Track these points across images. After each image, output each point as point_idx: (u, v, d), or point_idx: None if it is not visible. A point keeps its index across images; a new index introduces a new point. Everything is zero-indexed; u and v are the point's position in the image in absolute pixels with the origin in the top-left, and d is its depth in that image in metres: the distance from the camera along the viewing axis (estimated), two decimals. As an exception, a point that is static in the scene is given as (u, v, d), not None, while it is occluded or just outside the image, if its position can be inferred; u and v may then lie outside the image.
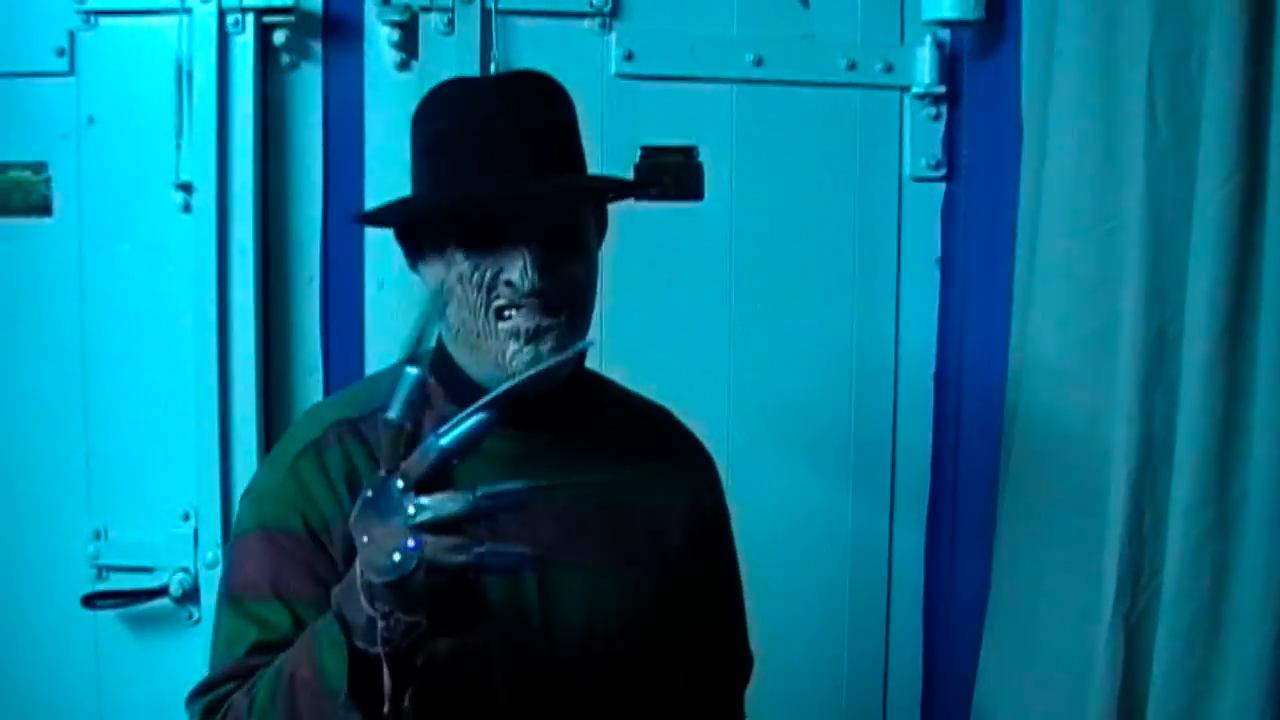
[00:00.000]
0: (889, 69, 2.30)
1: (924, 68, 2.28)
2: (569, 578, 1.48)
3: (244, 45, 2.18)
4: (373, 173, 2.25)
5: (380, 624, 1.15)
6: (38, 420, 2.25)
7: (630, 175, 2.22)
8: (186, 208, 2.19)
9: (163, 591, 2.21)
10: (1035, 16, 2.14)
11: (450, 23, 2.17)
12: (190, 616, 2.23)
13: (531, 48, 2.21)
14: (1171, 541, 1.82)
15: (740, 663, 1.77)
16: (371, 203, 2.24)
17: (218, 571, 2.18)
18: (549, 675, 1.45)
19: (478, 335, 1.45)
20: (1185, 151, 1.84)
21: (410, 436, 1.14)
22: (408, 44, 2.21)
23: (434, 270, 1.48)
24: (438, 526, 1.10)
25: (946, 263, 2.35)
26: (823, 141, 2.30)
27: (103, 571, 2.24)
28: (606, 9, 2.23)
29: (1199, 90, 1.81)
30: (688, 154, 2.27)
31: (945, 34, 2.31)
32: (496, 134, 1.43)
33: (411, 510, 1.10)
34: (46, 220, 2.23)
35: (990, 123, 2.30)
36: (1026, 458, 2.11)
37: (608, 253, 2.22)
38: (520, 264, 1.39)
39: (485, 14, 2.18)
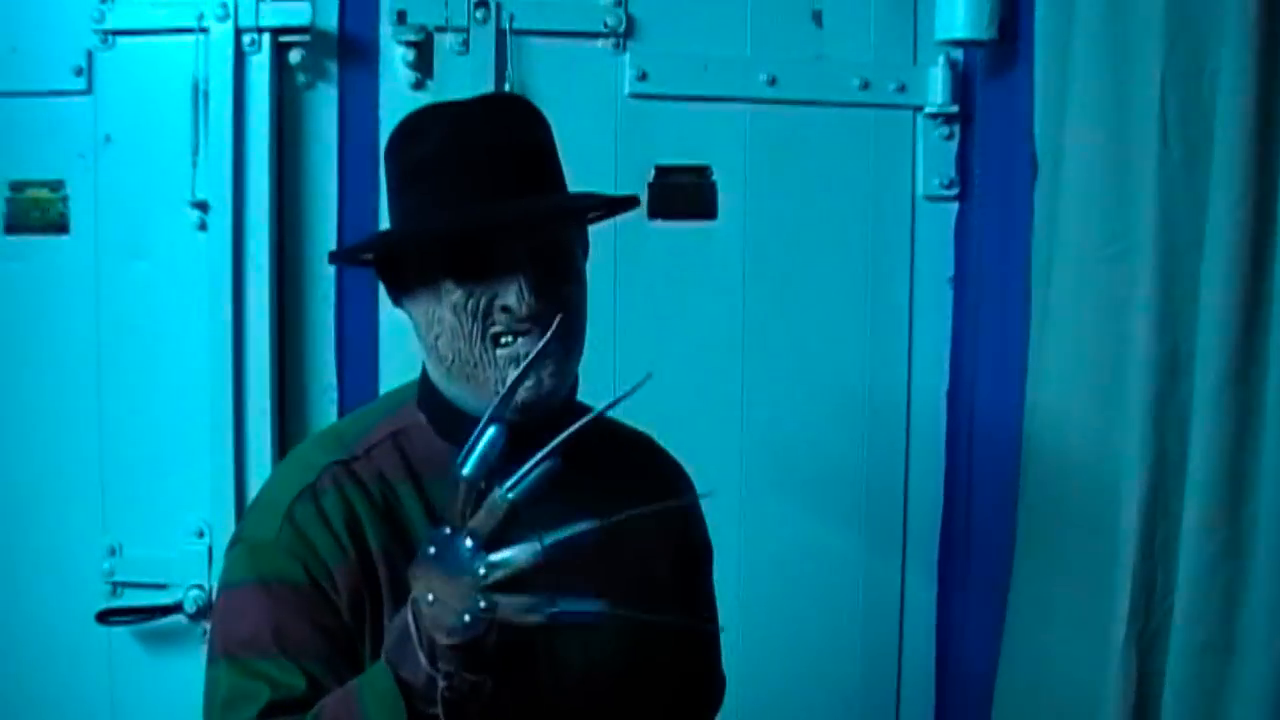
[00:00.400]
0: (902, 89, 2.30)
1: (937, 87, 2.29)
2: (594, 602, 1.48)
3: (260, 65, 2.19)
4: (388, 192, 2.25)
5: (442, 684, 1.14)
6: (53, 437, 2.26)
7: (645, 195, 2.23)
8: (202, 226, 2.21)
9: (177, 608, 2.22)
10: (1048, 37, 2.14)
11: (465, 43, 2.18)
12: (204, 633, 2.23)
13: (545, 68, 2.22)
14: (1184, 562, 1.82)
15: (716, 683, 1.76)
16: (385, 222, 2.25)
17: (232, 588, 2.19)
18: (554, 710, 1.44)
19: (474, 365, 1.41)
20: (1197, 173, 1.84)
21: (483, 492, 1.13)
22: (423, 64, 2.22)
23: (422, 304, 1.44)
24: (510, 585, 1.10)
25: (959, 281, 2.36)
26: (835, 161, 2.31)
27: (117, 588, 2.25)
28: (621, 29, 2.24)
29: (1211, 112, 1.81)
30: (701, 173, 2.27)
31: (958, 54, 2.32)
32: (475, 157, 1.40)
33: (483, 571, 1.10)
34: (63, 238, 2.24)
35: (1003, 142, 2.31)
36: (1040, 477, 2.11)
37: (622, 272, 2.25)
38: (515, 288, 1.36)
39: (500, 34, 2.20)
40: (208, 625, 2.19)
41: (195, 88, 2.18)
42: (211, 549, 2.22)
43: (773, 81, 2.26)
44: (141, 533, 2.26)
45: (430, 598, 1.13)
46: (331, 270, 2.26)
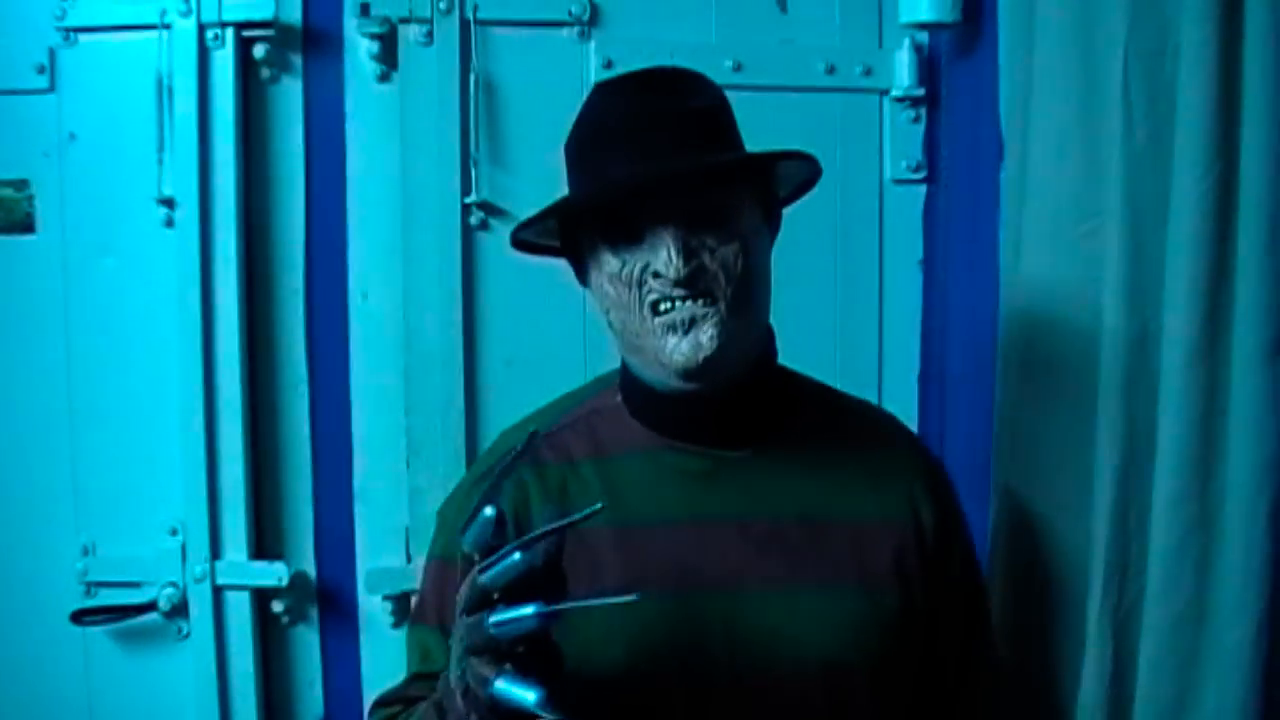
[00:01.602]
0: (868, 72, 2.30)
1: (903, 71, 2.29)
2: (756, 603, 1.43)
3: (224, 60, 2.19)
4: (354, 184, 2.25)
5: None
6: (24, 437, 2.26)
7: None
8: (169, 222, 2.20)
9: (151, 606, 2.21)
10: (1012, 18, 2.14)
11: (429, 34, 2.18)
12: (179, 631, 2.23)
13: (511, 57, 2.22)
14: (1155, 537, 1.82)
15: (987, 672, 1.62)
16: (353, 215, 2.25)
17: (206, 585, 2.19)
18: (733, 707, 1.41)
19: (638, 335, 1.42)
20: (1163, 150, 1.85)
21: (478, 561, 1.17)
22: (387, 55, 2.21)
23: (593, 280, 1.47)
24: (479, 650, 1.15)
25: (929, 264, 2.36)
26: (803, 145, 2.27)
27: (91, 588, 2.24)
28: (585, 17, 2.23)
29: (1174, 91, 1.82)
30: (669, 160, 2.27)
31: (923, 36, 2.32)
32: (625, 124, 1.41)
33: (461, 634, 1.18)
34: (29, 237, 2.23)
35: (970, 124, 2.31)
36: (1012, 458, 2.12)
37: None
38: (665, 252, 1.36)
39: (464, 24, 2.19)
40: (183, 623, 2.21)
41: (159, 84, 2.18)
42: (185, 546, 2.21)
43: (738, 67, 2.26)
44: (114, 532, 2.25)
45: (451, 644, 1.23)
46: (300, 264, 2.26)
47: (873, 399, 2.34)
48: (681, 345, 1.38)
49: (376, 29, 2.18)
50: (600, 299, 1.47)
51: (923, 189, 2.36)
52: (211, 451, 2.21)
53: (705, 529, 1.45)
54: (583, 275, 1.52)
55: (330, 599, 2.30)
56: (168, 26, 2.17)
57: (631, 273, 1.39)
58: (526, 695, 1.10)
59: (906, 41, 2.29)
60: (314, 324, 2.28)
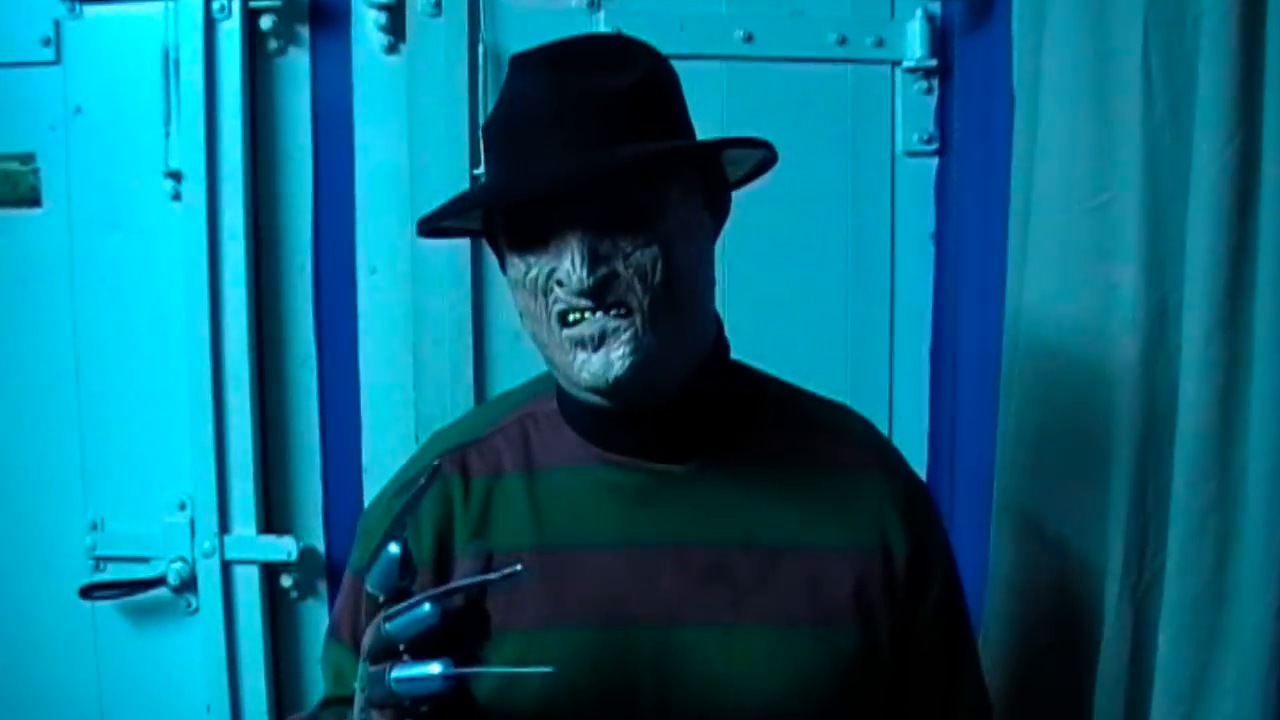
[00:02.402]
0: (879, 43, 2.28)
1: (915, 42, 2.27)
2: (692, 641, 1.29)
3: (230, 32, 2.17)
4: (362, 157, 2.24)
5: None
6: (32, 413, 2.26)
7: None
8: (176, 196, 2.19)
9: (160, 581, 2.21)
10: (1026, -13, 2.12)
11: (437, 5, 2.16)
12: (188, 605, 2.24)
13: (520, 29, 2.20)
14: (1175, 514, 1.81)
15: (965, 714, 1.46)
16: (361, 188, 2.24)
17: (214, 560, 2.19)
18: None
19: (547, 347, 1.30)
20: (1182, 120, 1.82)
21: (388, 601, 1.09)
22: (395, 27, 2.20)
23: (508, 275, 1.32)
24: (378, 704, 1.08)
25: (940, 237, 2.35)
26: (814, 117, 2.29)
27: (100, 562, 2.25)
28: (595, -12, 2.22)
29: (1195, 59, 1.80)
30: (679, 132, 2.25)
31: (935, 7, 2.30)
32: (540, 111, 1.25)
33: (359, 680, 1.10)
34: (35, 211, 2.23)
35: (982, 96, 2.29)
36: (1024, 432, 2.11)
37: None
38: (569, 258, 1.22)
39: (472, -5, 2.17)
40: (191, 597, 2.21)
41: (165, 56, 2.16)
42: (193, 521, 2.21)
43: (749, 38, 2.24)
44: (123, 507, 2.26)
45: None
46: (308, 238, 2.25)
47: (884, 373, 2.34)
48: (590, 363, 1.24)
49: (384, 0, 2.16)
50: (515, 302, 1.33)
51: (934, 161, 2.34)
52: (220, 426, 2.21)
53: (638, 555, 1.31)
54: (504, 266, 1.36)
55: (339, 573, 2.28)
56: (174, -2, 2.16)
57: (537, 279, 1.25)
58: (425, 668, 1.03)
59: (918, 12, 2.27)
60: (322, 298, 2.27)
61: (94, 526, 2.25)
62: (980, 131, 2.29)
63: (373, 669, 1.06)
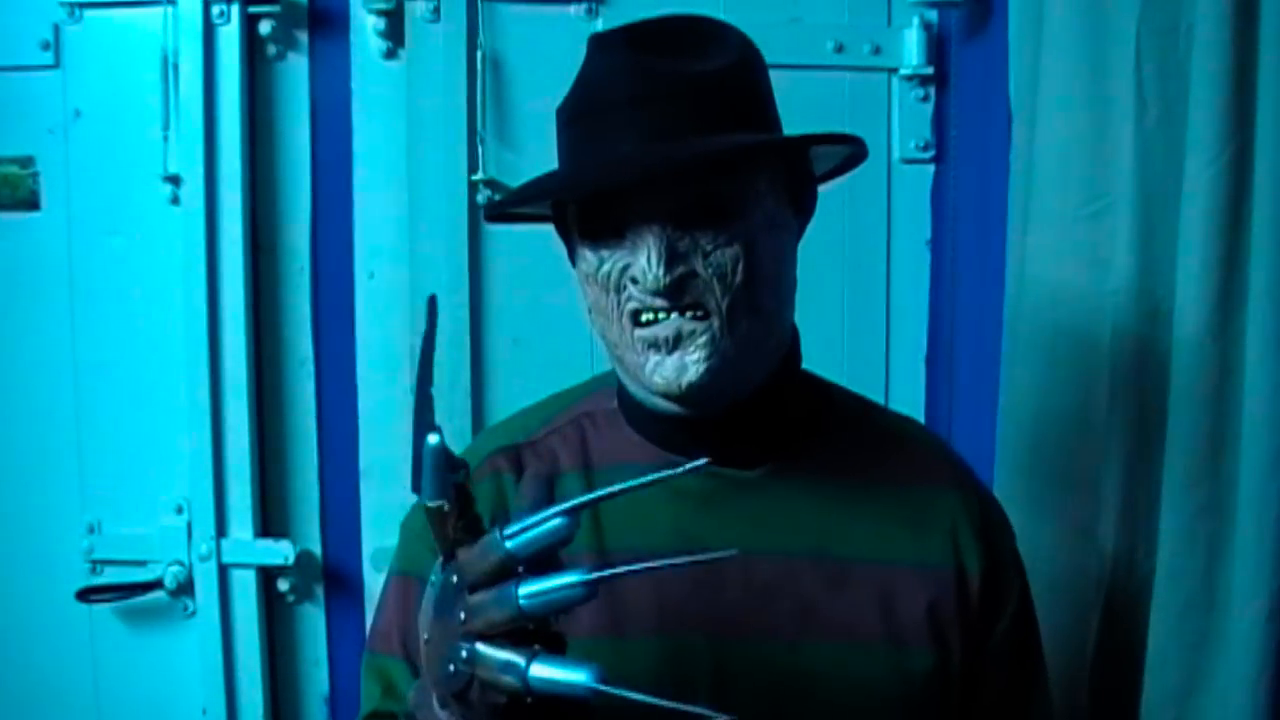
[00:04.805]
0: (877, 51, 2.29)
1: (912, 49, 2.27)
2: (755, 655, 1.23)
3: (229, 36, 2.18)
4: (361, 162, 2.24)
5: None
6: (30, 416, 2.26)
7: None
8: (175, 200, 2.20)
9: (157, 584, 2.21)
10: (1022, -4, 2.13)
11: (436, 10, 2.16)
12: (185, 609, 2.24)
13: (518, 34, 2.20)
14: (1165, 520, 1.82)
15: None
16: (359, 193, 2.24)
17: (212, 564, 2.19)
18: None
19: (617, 346, 1.23)
20: (1174, 129, 1.84)
21: (462, 514, 0.95)
22: (394, 33, 2.20)
23: (578, 267, 1.26)
24: (489, 633, 0.92)
25: (937, 244, 2.35)
26: (810, 124, 2.28)
27: (97, 566, 2.25)
28: (593, -6, 2.22)
29: (1187, 69, 1.81)
30: (676, 139, 2.25)
31: (933, 15, 2.30)
32: (621, 94, 1.18)
33: (463, 615, 0.93)
34: (35, 215, 2.23)
35: (979, 104, 2.29)
36: (1019, 439, 2.11)
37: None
38: (645, 255, 1.15)
39: (471, 1, 2.17)
40: (188, 601, 2.21)
41: (164, 61, 2.17)
42: (191, 525, 2.21)
43: (747, 45, 2.24)
44: (120, 510, 2.26)
45: (425, 637, 0.98)
46: (306, 242, 2.25)
47: (880, 381, 2.34)
48: (664, 366, 1.18)
49: (383, 5, 2.16)
50: (583, 296, 1.26)
51: (931, 168, 2.34)
52: (217, 430, 2.21)
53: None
54: (573, 258, 1.30)
55: (336, 577, 2.30)
56: (173, 3, 2.16)
57: (610, 274, 1.19)
58: (576, 675, 0.88)
59: (916, 19, 2.27)
60: (320, 302, 2.27)
61: (91, 530, 2.24)
62: (977, 139, 2.30)
63: (484, 595, 0.92)
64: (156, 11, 2.17)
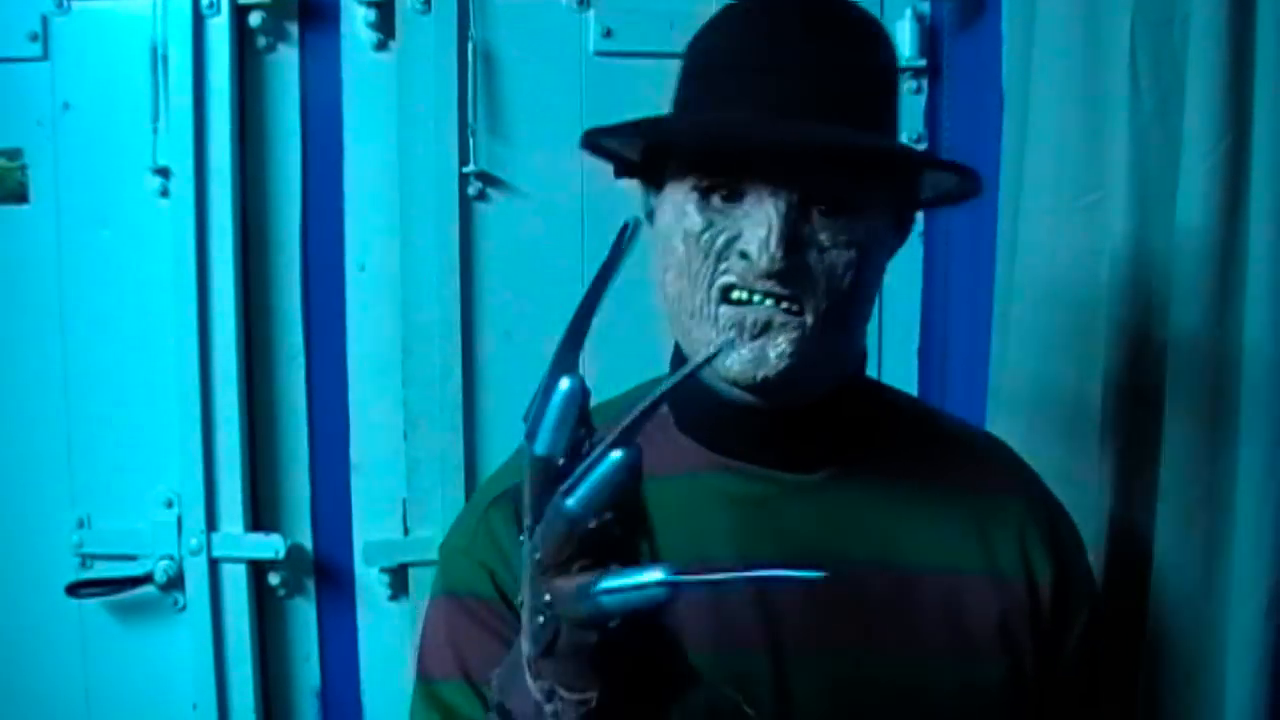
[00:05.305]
0: (870, 42, 2.28)
1: (904, 41, 2.27)
2: (816, 669, 1.17)
3: (219, 28, 2.16)
4: (351, 154, 2.24)
5: (547, 708, 0.90)
6: (19, 410, 2.25)
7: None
8: (164, 193, 2.19)
9: (147, 579, 2.20)
10: (1016, -13, 2.13)
11: (427, 2, 2.15)
12: (175, 603, 2.23)
13: (509, 26, 2.20)
14: (1161, 515, 1.81)
15: None
16: (350, 185, 2.23)
17: (202, 558, 2.18)
18: None
19: (691, 315, 1.15)
20: (1170, 121, 1.83)
21: (566, 472, 0.84)
22: (384, 24, 2.19)
23: (662, 225, 1.19)
24: (564, 561, 0.83)
25: (929, 237, 2.34)
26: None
27: (87, 560, 2.24)
28: (584, -14, 2.22)
29: (1182, 59, 1.80)
30: (668, 131, 2.24)
31: (925, 6, 2.29)
32: (779, 58, 1.12)
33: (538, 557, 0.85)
34: (23, 207, 2.22)
35: (972, 96, 2.29)
36: (1011, 433, 2.10)
37: (579, 231, 2.22)
38: (764, 230, 1.08)
39: (462, -8, 2.17)
40: (178, 595, 2.20)
41: (154, 53, 2.16)
42: (181, 519, 2.21)
43: (739, 37, 2.24)
44: (110, 504, 2.25)
45: (520, 600, 0.91)
46: (297, 235, 2.24)
47: (872, 373, 2.32)
48: (741, 350, 1.11)
49: (374, -3, 2.16)
50: (663, 251, 1.19)
51: (924, 161, 2.34)
52: (207, 423, 2.20)
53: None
54: (651, 207, 1.24)
55: (327, 571, 2.30)
56: (162, -6, 2.15)
57: (713, 240, 1.12)
58: (648, 575, 0.79)
59: (908, 11, 2.27)
60: (311, 295, 2.27)
61: (81, 524, 2.24)
62: (970, 131, 2.29)
63: (570, 583, 0.83)
64: (146, 3, 2.15)
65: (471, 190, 2.19)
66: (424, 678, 1.23)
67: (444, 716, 1.18)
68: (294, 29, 2.23)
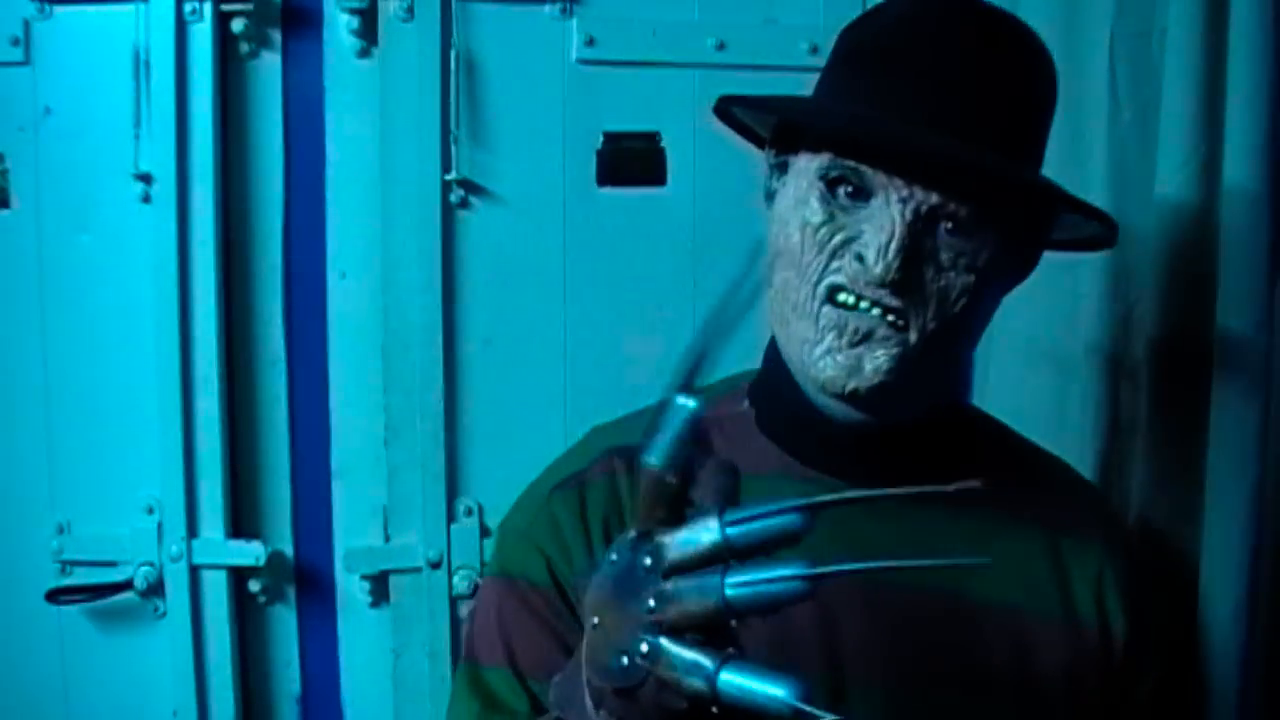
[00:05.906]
0: (852, 52, 2.29)
1: (884, 51, 2.27)
2: (874, 700, 1.12)
3: (202, 34, 2.16)
4: (334, 161, 2.24)
5: None
6: (-1, 415, 2.24)
7: (593, 162, 2.21)
8: (146, 198, 2.18)
9: (127, 585, 2.19)
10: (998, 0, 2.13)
11: (410, 9, 2.15)
12: (156, 610, 2.22)
13: (492, 34, 2.20)
14: (1139, 524, 1.82)
15: None
16: (332, 192, 2.23)
17: (183, 564, 2.18)
18: None
19: (794, 308, 1.11)
20: (1148, 132, 1.84)
21: (678, 491, 0.83)
22: (367, 31, 2.19)
23: (779, 209, 1.15)
24: (680, 627, 0.79)
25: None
26: (786, 125, 2.29)
27: (66, 566, 2.23)
28: (568, -6, 2.22)
29: (1160, 71, 1.81)
30: (650, 139, 2.25)
31: (906, 16, 2.30)
32: (933, 71, 1.09)
33: (652, 602, 0.80)
34: (4, 213, 2.21)
35: (953, 105, 2.29)
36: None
37: (571, 240, 2.23)
38: (885, 237, 1.05)
39: (445, 1, 2.17)
40: (159, 602, 2.20)
41: (136, 58, 2.15)
42: (161, 525, 2.20)
43: (721, 46, 2.24)
44: (90, 510, 2.24)
45: (595, 621, 0.85)
46: (279, 242, 2.24)
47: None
48: (836, 355, 1.07)
49: (357, 4, 2.15)
50: (775, 237, 1.15)
51: (906, 170, 2.34)
52: (188, 430, 2.19)
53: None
54: (773, 188, 1.20)
55: (308, 578, 2.29)
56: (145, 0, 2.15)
57: (831, 235, 1.08)
58: (775, 689, 0.76)
59: (891, 21, 2.28)
60: (292, 302, 2.26)
61: (61, 530, 2.22)
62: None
63: (688, 580, 0.80)
64: (128, 8, 2.15)
65: (453, 198, 2.19)
66: (471, 659, 1.21)
67: (485, 704, 1.16)
68: (277, 35, 2.23)
